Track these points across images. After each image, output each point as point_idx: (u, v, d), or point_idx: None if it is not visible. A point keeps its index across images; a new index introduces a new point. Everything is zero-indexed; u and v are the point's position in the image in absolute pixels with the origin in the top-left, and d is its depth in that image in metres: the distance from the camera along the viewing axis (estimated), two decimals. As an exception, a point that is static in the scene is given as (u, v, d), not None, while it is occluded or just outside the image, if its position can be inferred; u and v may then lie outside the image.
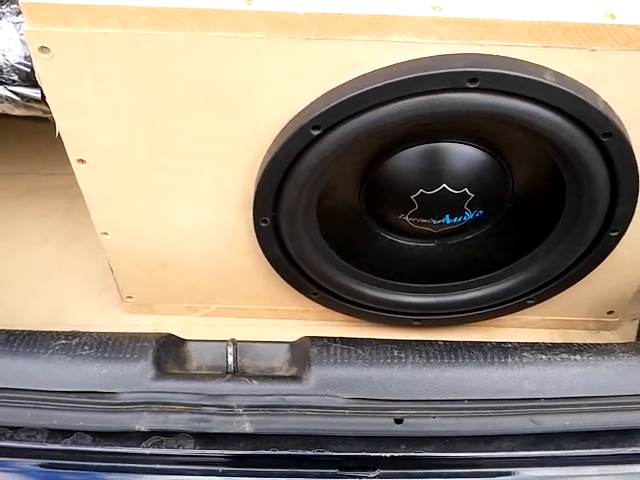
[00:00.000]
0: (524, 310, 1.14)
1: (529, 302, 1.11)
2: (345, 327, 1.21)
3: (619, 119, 0.85)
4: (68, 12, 0.74)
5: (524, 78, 0.78)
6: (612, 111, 0.84)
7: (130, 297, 1.17)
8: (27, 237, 1.30)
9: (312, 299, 1.13)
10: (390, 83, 0.78)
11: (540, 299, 1.10)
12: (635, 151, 0.88)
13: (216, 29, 0.75)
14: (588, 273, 1.05)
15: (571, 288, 1.09)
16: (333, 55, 0.79)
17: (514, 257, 1.05)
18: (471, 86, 0.78)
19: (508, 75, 0.78)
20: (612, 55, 0.79)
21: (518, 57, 0.79)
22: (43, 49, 0.78)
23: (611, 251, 1.01)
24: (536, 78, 0.78)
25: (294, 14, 0.75)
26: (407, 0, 0.76)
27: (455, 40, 0.77)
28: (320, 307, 1.16)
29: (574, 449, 0.80)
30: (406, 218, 1.00)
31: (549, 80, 0.79)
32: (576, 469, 0.80)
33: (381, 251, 1.08)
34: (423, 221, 1.01)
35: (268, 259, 1.04)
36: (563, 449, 0.80)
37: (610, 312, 1.20)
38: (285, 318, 1.21)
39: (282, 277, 1.08)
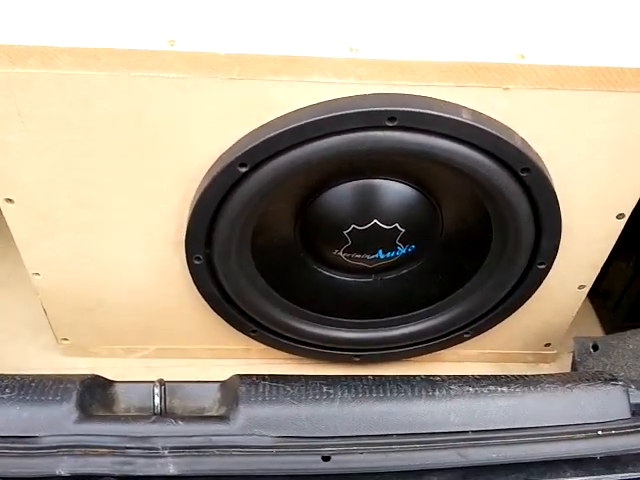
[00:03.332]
0: (462, 344, 1.15)
1: (465, 336, 1.12)
2: (287, 365, 1.20)
3: (537, 155, 0.88)
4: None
5: (440, 116, 0.80)
6: (529, 147, 0.87)
7: (65, 339, 1.15)
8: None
9: (251, 337, 1.12)
10: (311, 122, 0.80)
11: (476, 332, 1.12)
12: (555, 186, 0.91)
13: (138, 69, 0.77)
14: (520, 306, 1.07)
15: (506, 321, 1.11)
16: (257, 94, 0.80)
17: (448, 291, 1.07)
18: (390, 124, 0.81)
19: (425, 114, 0.80)
20: (525, 94, 0.82)
21: (436, 96, 0.82)
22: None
23: (540, 283, 1.03)
24: (452, 116, 0.81)
25: (215, 54, 0.77)
26: (326, 41, 0.79)
27: (373, 80, 0.79)
28: (261, 345, 1.15)
29: (503, 481, 0.80)
30: (340, 254, 1.01)
31: (465, 118, 0.81)
32: (506, 502, 0.80)
33: (319, 287, 1.09)
34: (357, 256, 1.02)
35: (204, 297, 1.03)
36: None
37: (547, 344, 1.22)
38: (226, 357, 1.20)
39: (219, 315, 1.07)
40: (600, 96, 0.82)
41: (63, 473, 0.76)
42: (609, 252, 1.05)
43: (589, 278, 1.09)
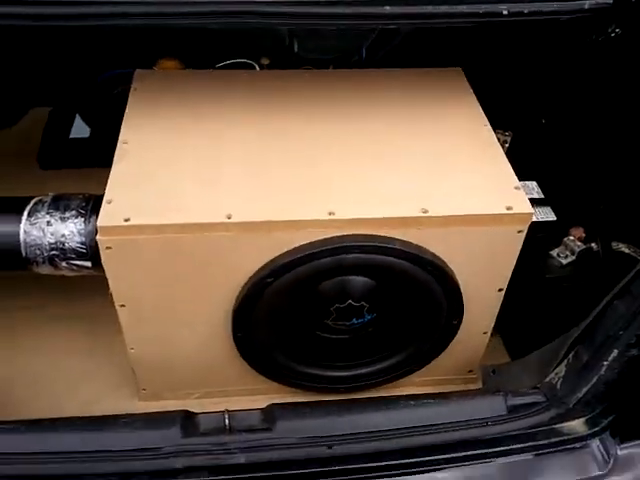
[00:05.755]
0: (412, 374, 1.74)
1: (414, 369, 1.71)
2: (296, 396, 1.75)
3: (441, 259, 1.48)
4: (123, 234, 1.33)
5: (381, 246, 1.41)
6: (436, 255, 1.47)
7: (144, 389, 1.71)
8: (68, 348, 1.84)
9: (272, 380, 1.69)
10: (307, 254, 1.39)
11: (420, 367, 1.70)
12: (457, 275, 1.51)
13: (210, 231, 1.36)
14: (445, 348, 1.66)
15: (439, 358, 1.70)
16: (275, 239, 1.39)
17: (397, 341, 1.66)
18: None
19: (371, 245, 1.40)
20: (430, 229, 1.42)
21: (379, 234, 1.41)
22: (107, 248, 1.36)
23: (456, 333, 1.62)
24: (388, 245, 1.41)
25: (258, 222, 1.36)
26: (313, 208, 1.39)
27: (343, 228, 1.39)
28: (275, 384, 1.72)
29: (432, 456, 1.36)
30: (329, 322, 1.59)
31: (396, 245, 1.41)
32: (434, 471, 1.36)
33: (317, 344, 1.66)
34: (339, 323, 1.59)
35: (242, 356, 1.60)
36: (424, 457, 1.36)
37: (470, 371, 1.81)
38: (253, 395, 1.75)
39: (252, 367, 1.64)
40: (472, 229, 1.43)
41: (178, 466, 1.31)
42: (498, 310, 1.65)
43: (488, 326, 1.68)
